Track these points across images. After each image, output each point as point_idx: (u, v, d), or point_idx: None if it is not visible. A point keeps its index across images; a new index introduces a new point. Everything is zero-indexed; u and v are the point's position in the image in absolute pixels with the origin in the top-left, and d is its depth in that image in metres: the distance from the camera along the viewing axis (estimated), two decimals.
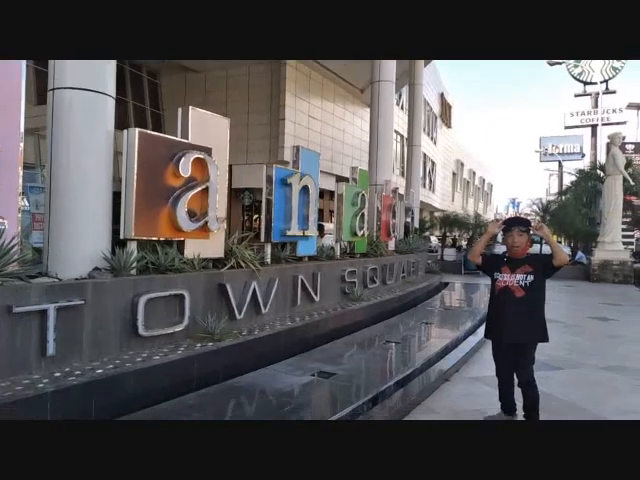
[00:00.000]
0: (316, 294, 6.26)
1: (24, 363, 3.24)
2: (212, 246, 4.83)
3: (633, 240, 21.83)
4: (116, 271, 3.99)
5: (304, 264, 6.32)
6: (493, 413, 3.81)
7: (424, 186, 30.39)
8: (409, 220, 12.43)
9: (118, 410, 3.23)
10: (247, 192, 18.39)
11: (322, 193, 18.54)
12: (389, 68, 11.33)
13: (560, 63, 29.43)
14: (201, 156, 4.57)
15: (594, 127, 29.12)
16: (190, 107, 4.68)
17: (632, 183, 19.03)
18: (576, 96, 30.22)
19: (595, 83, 28.72)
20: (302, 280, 5.97)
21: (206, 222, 4.65)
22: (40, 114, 4.70)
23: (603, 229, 17.39)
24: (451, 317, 7.86)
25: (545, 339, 3.57)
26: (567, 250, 19.23)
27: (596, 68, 28.32)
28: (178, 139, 4.56)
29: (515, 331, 3.50)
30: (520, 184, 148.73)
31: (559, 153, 36.85)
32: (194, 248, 4.64)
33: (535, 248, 15.30)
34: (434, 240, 24.28)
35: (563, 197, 25.40)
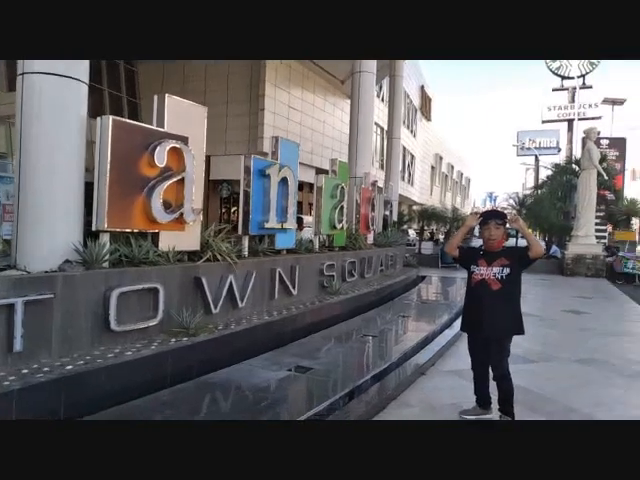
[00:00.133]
0: (294, 288, 6.21)
1: None
2: (188, 238, 4.73)
3: (606, 234, 22.28)
4: (88, 264, 3.88)
5: (282, 257, 6.26)
6: (469, 407, 3.83)
7: (403, 179, 30.51)
8: (388, 213, 12.45)
9: (88, 408, 3.14)
10: (225, 184, 18.18)
11: (301, 185, 18.45)
12: (370, 59, 11.26)
13: (539, 59, 29.71)
14: (177, 145, 4.46)
15: (570, 122, 29.55)
16: (166, 94, 4.56)
17: (606, 178, 19.42)
18: (554, 90, 30.60)
19: (572, 78, 29.10)
20: (280, 273, 5.91)
21: (182, 214, 4.54)
22: (11, 101, 4.52)
23: (577, 223, 17.71)
24: (428, 310, 7.90)
25: (521, 331, 3.60)
26: (542, 244, 19.53)
27: (574, 62, 28.69)
28: (153, 127, 4.43)
29: (491, 324, 3.52)
30: (497, 178, 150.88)
31: (536, 147, 37.33)
32: (169, 240, 4.54)
33: (511, 242, 15.50)
34: (412, 233, 24.44)
35: (539, 191, 25.79)
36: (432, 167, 43.53)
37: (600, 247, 17.66)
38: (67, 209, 4.00)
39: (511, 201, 23.27)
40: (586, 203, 17.39)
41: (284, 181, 6.17)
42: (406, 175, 33.30)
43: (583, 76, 28.98)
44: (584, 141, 18.61)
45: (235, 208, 18.39)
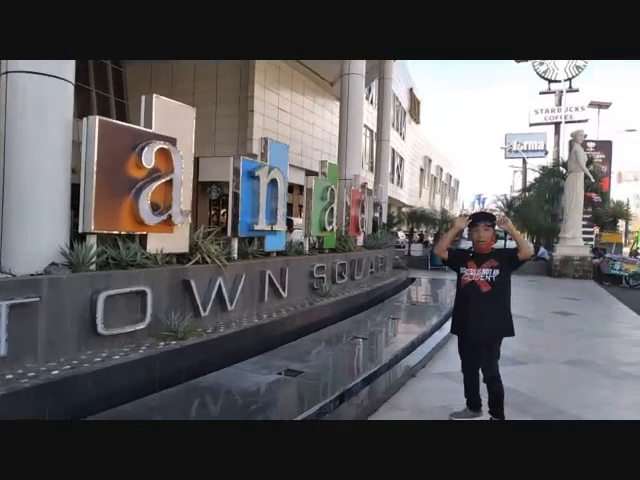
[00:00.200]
0: (284, 290, 6.18)
1: None
2: (176, 241, 4.68)
3: (593, 236, 22.53)
4: (74, 266, 3.82)
5: (272, 259, 6.22)
6: (459, 409, 3.82)
7: (392, 182, 30.59)
8: (377, 215, 12.45)
9: (75, 413, 3.08)
10: (214, 186, 18.08)
11: (291, 187, 18.43)
12: (359, 61, 11.28)
13: (526, 60, 30.04)
14: (165, 146, 4.42)
15: (557, 125, 29.88)
16: (154, 95, 4.51)
17: (593, 180, 19.65)
18: (541, 93, 30.94)
19: (559, 81, 29.44)
20: (270, 276, 5.88)
21: (170, 215, 4.50)
22: None
23: (564, 225, 17.88)
24: (418, 312, 7.91)
25: (511, 333, 3.60)
26: (530, 246, 19.68)
27: (560, 66, 29.02)
28: (141, 128, 4.39)
29: (481, 325, 3.52)
30: (486, 180, 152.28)
31: (523, 150, 37.70)
32: (157, 243, 4.48)
33: (499, 243, 15.60)
34: (401, 235, 24.50)
35: (527, 193, 26.02)
36: (421, 169, 43.71)
37: (587, 249, 17.84)
38: (53, 211, 3.94)
39: (499, 203, 23.38)
40: (573, 205, 17.57)
41: (274, 183, 6.14)
42: (395, 177, 33.39)
43: (569, 79, 29.33)
44: (571, 144, 18.84)
45: (224, 210, 18.30)
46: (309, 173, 15.45)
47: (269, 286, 5.87)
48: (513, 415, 3.70)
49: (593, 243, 21.33)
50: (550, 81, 29.94)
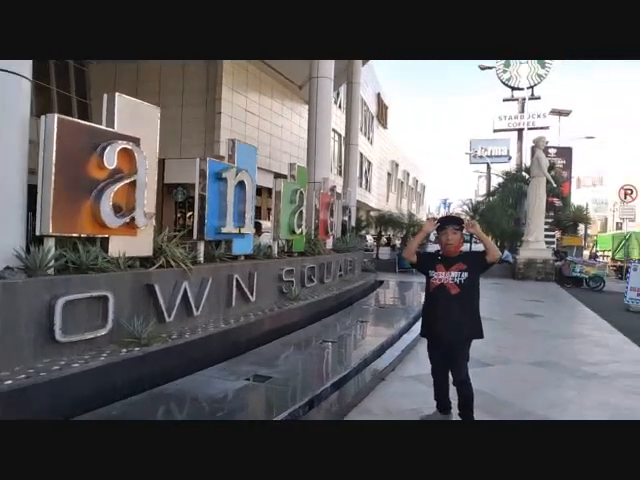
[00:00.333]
0: (252, 294, 6.07)
1: None
2: (139, 244, 4.53)
3: (554, 240, 23.18)
4: (30, 271, 3.63)
5: (240, 263, 6.11)
6: (429, 412, 3.82)
7: (361, 186, 30.75)
8: (346, 219, 12.47)
9: None
10: (180, 188, 17.75)
11: (260, 190, 18.28)
12: (327, 65, 11.28)
13: (490, 68, 30.77)
14: (128, 147, 4.27)
15: (520, 131, 30.68)
16: (117, 93, 4.36)
17: (554, 185, 20.23)
18: (504, 100, 31.72)
19: (522, 89, 30.26)
20: (237, 280, 5.76)
21: (133, 218, 4.34)
22: None
23: (527, 229, 18.34)
24: (386, 315, 7.92)
25: (481, 335, 3.62)
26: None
27: (523, 74, 29.86)
28: (103, 127, 4.23)
29: (451, 328, 3.52)
30: (451, 185, 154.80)
31: (488, 156, 38.52)
32: (119, 246, 4.32)
33: (464, 247, 15.84)
34: (369, 239, 24.64)
35: (491, 198, 26.58)
36: (388, 174, 44.15)
37: (549, 252, 18.35)
38: (7, 212, 3.75)
39: (465, 207, 23.84)
40: (536, 209, 18.05)
41: (241, 185, 6.03)
42: (363, 181, 33.60)
43: (532, 87, 30.19)
44: (533, 150, 19.35)
45: (191, 213, 17.98)
46: (278, 176, 15.32)
47: (237, 290, 5.75)
48: (483, 417, 3.72)
49: (555, 246, 21.93)
50: (513, 89, 30.75)
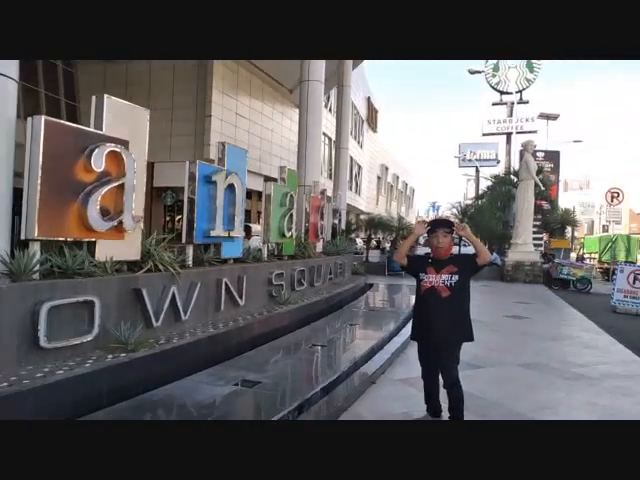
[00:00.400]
0: (241, 298, 6.03)
1: None
2: (127, 248, 4.47)
3: (542, 242, 23.37)
4: (15, 275, 3.57)
5: (229, 267, 6.06)
6: (419, 415, 3.80)
7: (351, 189, 30.81)
8: (336, 222, 12.46)
9: None
10: (170, 191, 17.66)
11: (250, 193, 18.21)
12: (318, 68, 11.29)
13: (480, 72, 31.01)
14: (117, 149, 4.23)
15: (509, 135, 30.94)
16: (105, 95, 4.32)
17: (542, 188, 20.37)
18: (493, 104, 32.00)
19: (511, 93, 30.54)
20: (226, 283, 5.71)
21: (121, 221, 4.29)
22: None
23: (516, 231, 18.46)
24: (376, 318, 7.91)
25: (471, 338, 3.62)
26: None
27: (512, 78, 30.15)
28: (91, 129, 4.19)
29: (441, 331, 3.52)
30: (440, 189, 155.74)
31: (476, 159, 38.78)
32: (107, 250, 4.27)
33: (454, 249, 15.91)
34: (359, 242, 24.66)
35: (480, 201, 26.76)
36: (378, 177, 44.29)
37: (537, 254, 18.48)
38: None
39: (454, 210, 23.96)
40: (524, 212, 18.17)
41: (231, 188, 5.99)
42: (353, 185, 33.67)
43: (520, 92, 30.46)
44: (521, 153, 19.50)
45: (180, 216, 17.88)
46: (268, 179, 15.32)
47: (226, 294, 5.71)
48: (472, 419, 3.70)
49: (543, 249, 22.12)
50: (502, 93, 31.03)
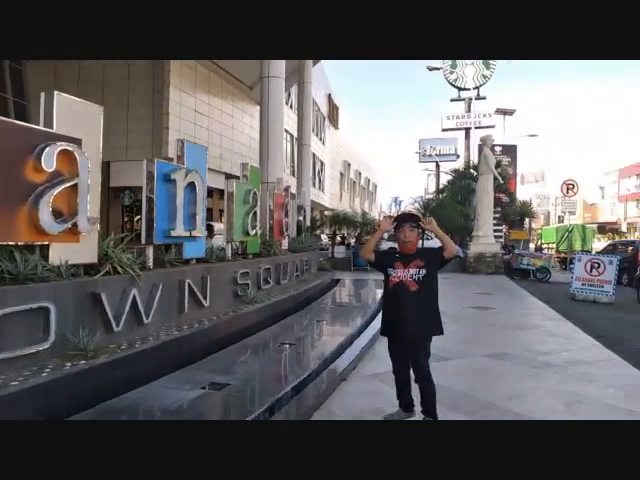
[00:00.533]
0: (205, 299, 5.87)
1: None
2: (83, 250, 4.27)
3: (502, 234, 23.98)
4: None
5: (191, 267, 5.90)
6: (392, 411, 3.77)
7: (314, 186, 30.80)
8: (301, 219, 12.39)
9: None
10: (127, 191, 17.16)
11: (211, 192, 17.92)
12: (278, 64, 11.20)
13: (438, 69, 31.52)
14: (69, 148, 4.02)
15: (467, 130, 31.63)
16: (55, 92, 4.10)
17: (501, 181, 20.90)
18: (452, 100, 32.62)
19: (468, 89, 31.20)
20: (190, 284, 5.55)
21: (75, 223, 4.09)
22: None
23: (477, 224, 18.86)
24: (344, 314, 7.89)
25: (441, 331, 3.62)
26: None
27: (469, 75, 30.80)
28: (40, 128, 3.97)
29: (411, 325, 3.49)
30: (402, 184, 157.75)
31: (436, 154, 39.45)
32: (61, 253, 4.06)
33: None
34: (324, 238, 24.68)
35: (441, 195, 27.22)
36: (341, 174, 44.46)
37: (498, 246, 18.94)
38: None
39: (416, 205, 24.27)
40: (484, 205, 18.57)
41: (191, 186, 5.83)
42: (317, 181, 33.67)
43: (477, 88, 31.15)
44: (480, 148, 19.91)
45: (139, 217, 17.40)
46: (229, 177, 15.08)
47: (189, 295, 5.54)
48: (445, 412, 3.71)
49: (503, 240, 22.69)
50: (460, 89, 31.65)
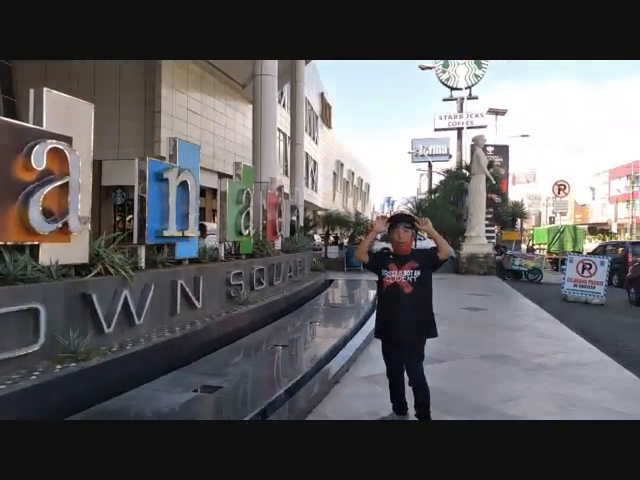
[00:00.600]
0: (198, 300, 5.81)
1: None
2: (74, 250, 4.20)
3: (494, 234, 24.07)
4: None
5: (184, 267, 5.84)
6: (386, 414, 3.75)
7: (307, 185, 30.77)
8: (295, 219, 12.34)
9: None
10: (119, 190, 17.04)
11: (204, 191, 17.82)
12: (271, 62, 11.15)
13: (430, 68, 31.58)
14: (59, 146, 3.95)
15: (460, 130, 31.70)
16: (45, 89, 4.04)
17: (494, 182, 20.97)
18: (444, 100, 32.70)
19: (461, 89, 31.28)
20: (182, 285, 5.49)
21: (66, 223, 4.02)
22: None
23: (469, 224, 18.91)
24: (338, 315, 7.86)
25: (435, 334, 3.60)
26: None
27: (461, 74, 30.89)
28: (29, 125, 3.90)
29: (405, 327, 3.47)
30: (395, 184, 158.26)
31: (429, 154, 39.52)
32: (52, 254, 3.99)
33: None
34: (317, 238, 24.66)
35: (433, 195, 27.28)
36: (334, 173, 44.44)
37: (490, 246, 19.01)
38: None
39: (409, 205, 24.30)
40: (477, 205, 18.63)
41: (184, 185, 5.76)
42: (310, 181, 33.64)
43: (469, 88, 31.24)
44: (472, 148, 19.97)
45: (131, 216, 17.28)
46: (222, 176, 15.00)
47: (181, 296, 5.48)
48: (438, 415, 3.69)
49: (495, 241, 22.76)
50: (452, 89, 31.73)
